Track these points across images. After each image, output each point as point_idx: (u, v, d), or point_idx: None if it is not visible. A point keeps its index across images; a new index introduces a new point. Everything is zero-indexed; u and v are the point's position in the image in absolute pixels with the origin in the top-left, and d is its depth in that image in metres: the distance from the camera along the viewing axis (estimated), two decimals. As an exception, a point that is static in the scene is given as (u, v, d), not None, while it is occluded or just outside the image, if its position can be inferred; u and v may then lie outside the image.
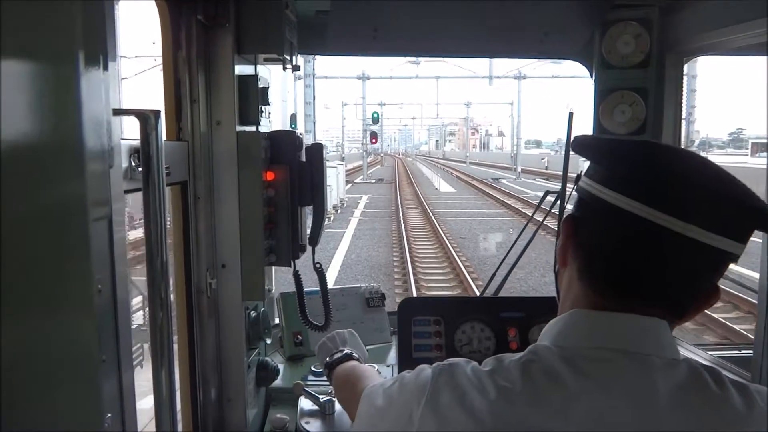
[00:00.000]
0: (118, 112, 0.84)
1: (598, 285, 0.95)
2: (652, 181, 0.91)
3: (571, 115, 2.55)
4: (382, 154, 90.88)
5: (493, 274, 2.69)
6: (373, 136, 40.32)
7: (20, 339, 0.59)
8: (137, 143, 1.13)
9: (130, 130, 1.23)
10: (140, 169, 1.15)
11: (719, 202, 0.88)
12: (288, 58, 1.90)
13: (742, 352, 2.63)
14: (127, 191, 1.17)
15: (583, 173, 1.02)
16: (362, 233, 17.32)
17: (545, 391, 0.88)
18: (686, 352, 2.45)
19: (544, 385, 0.88)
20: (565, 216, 1.03)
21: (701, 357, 2.38)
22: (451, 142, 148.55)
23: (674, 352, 0.93)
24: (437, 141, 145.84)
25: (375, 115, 39.64)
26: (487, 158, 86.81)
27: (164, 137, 1.15)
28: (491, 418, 0.86)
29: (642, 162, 0.94)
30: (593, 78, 2.37)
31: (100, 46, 0.74)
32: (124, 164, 1.18)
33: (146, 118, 0.90)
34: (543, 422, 0.86)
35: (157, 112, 0.93)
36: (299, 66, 1.96)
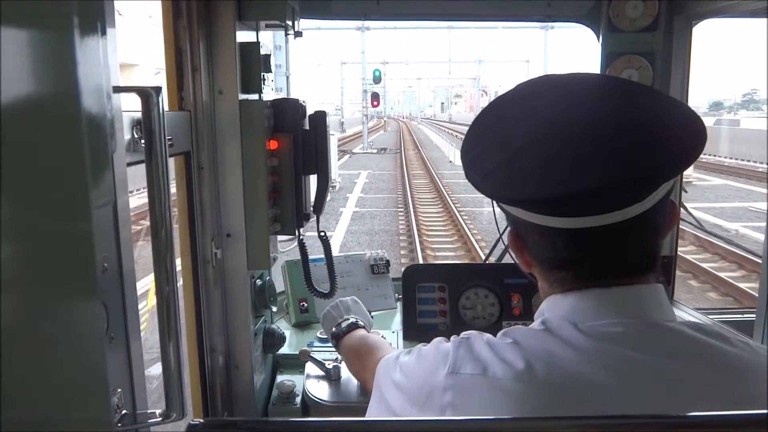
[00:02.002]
0: (119, 89, 0.83)
1: (571, 285, 0.94)
2: (543, 193, 0.85)
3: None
4: (385, 118, 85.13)
5: (497, 240, 2.69)
6: (375, 98, 33.75)
7: (25, 319, 0.59)
8: (138, 114, 1.13)
9: (130, 102, 1.22)
10: (143, 141, 1.15)
11: (615, 182, 0.82)
12: (290, 24, 1.88)
13: (745, 316, 2.65)
14: (129, 164, 1.17)
15: None
16: (356, 239, 12.36)
17: (567, 358, 0.87)
18: (688, 316, 2.46)
19: (565, 353, 0.88)
20: (507, 233, 1.00)
21: (701, 321, 2.40)
22: (457, 105, 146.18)
23: (673, 314, 0.95)
24: (442, 103, 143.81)
25: (377, 74, 33.73)
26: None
27: (166, 107, 1.14)
28: (518, 388, 0.86)
29: (520, 178, 0.87)
30: (600, 42, 2.33)
31: (98, 19, 0.73)
32: (126, 136, 1.17)
33: (148, 95, 0.90)
34: (572, 387, 0.86)
35: (158, 89, 0.92)
36: (302, 32, 1.93)
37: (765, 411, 0.51)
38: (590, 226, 0.86)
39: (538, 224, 0.90)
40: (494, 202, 0.98)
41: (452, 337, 0.97)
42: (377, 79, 34.01)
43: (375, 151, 34.58)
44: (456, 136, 49.40)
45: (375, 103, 34.20)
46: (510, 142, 0.91)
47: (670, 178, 0.88)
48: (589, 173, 0.82)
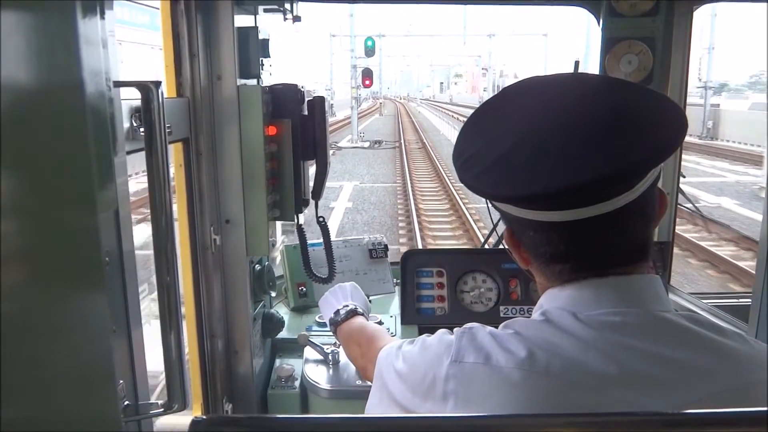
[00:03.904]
0: (119, 84, 0.83)
1: (569, 277, 0.96)
2: (531, 190, 0.87)
3: (576, 64, 2.51)
4: (381, 100, 74.78)
5: (495, 225, 2.70)
6: (367, 75, 25.26)
7: (25, 315, 0.60)
8: (136, 102, 1.12)
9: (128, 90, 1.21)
10: (142, 130, 1.15)
11: (601, 175, 0.84)
12: (288, 8, 1.86)
13: (740, 301, 2.67)
14: (129, 152, 1.17)
15: None
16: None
17: (567, 346, 0.89)
18: (683, 301, 2.48)
19: (565, 342, 0.90)
20: (503, 231, 1.02)
21: (698, 306, 2.41)
22: (457, 85, 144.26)
23: (669, 305, 0.97)
24: (441, 83, 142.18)
25: (369, 44, 24.91)
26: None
27: (165, 94, 1.14)
28: (520, 376, 0.88)
29: (512, 178, 0.89)
30: (600, 26, 2.32)
31: (97, 16, 0.73)
32: (126, 125, 1.17)
33: (148, 90, 0.89)
34: (572, 375, 0.88)
35: (157, 83, 0.92)
36: (300, 17, 1.91)
37: (764, 408, 0.52)
38: (582, 218, 0.88)
39: (531, 220, 0.92)
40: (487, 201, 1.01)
41: (455, 329, 0.99)
42: (370, 51, 25.49)
43: (367, 144, 25.97)
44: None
45: (367, 81, 25.55)
46: (498, 143, 0.93)
47: (655, 166, 0.90)
48: (576, 168, 0.85)
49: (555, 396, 0.87)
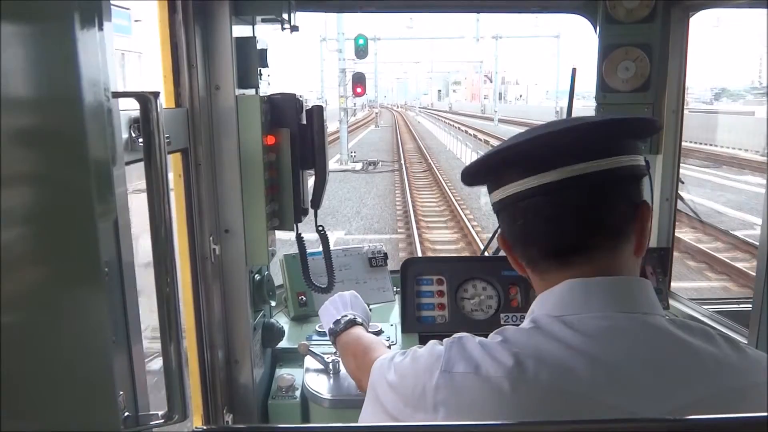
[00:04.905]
0: (117, 94, 0.83)
1: (560, 277, 0.99)
2: (528, 155, 0.98)
3: (574, 71, 2.52)
4: (377, 109, 63.39)
5: (494, 233, 2.70)
6: (358, 81, 20.12)
7: (24, 326, 0.60)
8: (135, 113, 1.13)
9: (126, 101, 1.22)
10: (140, 140, 1.15)
11: (586, 131, 0.99)
12: (286, 18, 1.87)
13: (741, 307, 2.66)
14: (128, 162, 1.17)
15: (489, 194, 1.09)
16: None
17: (556, 353, 0.91)
18: (684, 307, 2.48)
19: (554, 348, 0.91)
20: (498, 236, 1.10)
21: (698, 312, 2.41)
22: (455, 92, 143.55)
23: (659, 309, 0.99)
24: (439, 91, 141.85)
25: (360, 42, 19.27)
26: (519, 113, 58.60)
27: (164, 104, 1.14)
28: (509, 385, 0.89)
29: (514, 149, 1.01)
30: (597, 33, 2.33)
31: (96, 27, 0.73)
32: (124, 135, 1.17)
33: (146, 100, 0.89)
34: (561, 382, 0.89)
35: (156, 93, 0.93)
36: (298, 27, 1.92)
37: (764, 414, 0.52)
38: (551, 182, 0.94)
39: (510, 195, 0.99)
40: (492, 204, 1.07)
41: (444, 340, 1.01)
42: (362, 52, 19.68)
43: (359, 167, 21.11)
44: (469, 133, 34.18)
45: (359, 89, 20.24)
46: (504, 145, 1.05)
47: (610, 137, 0.98)
48: (543, 132, 0.98)
49: (545, 403, 0.88)
